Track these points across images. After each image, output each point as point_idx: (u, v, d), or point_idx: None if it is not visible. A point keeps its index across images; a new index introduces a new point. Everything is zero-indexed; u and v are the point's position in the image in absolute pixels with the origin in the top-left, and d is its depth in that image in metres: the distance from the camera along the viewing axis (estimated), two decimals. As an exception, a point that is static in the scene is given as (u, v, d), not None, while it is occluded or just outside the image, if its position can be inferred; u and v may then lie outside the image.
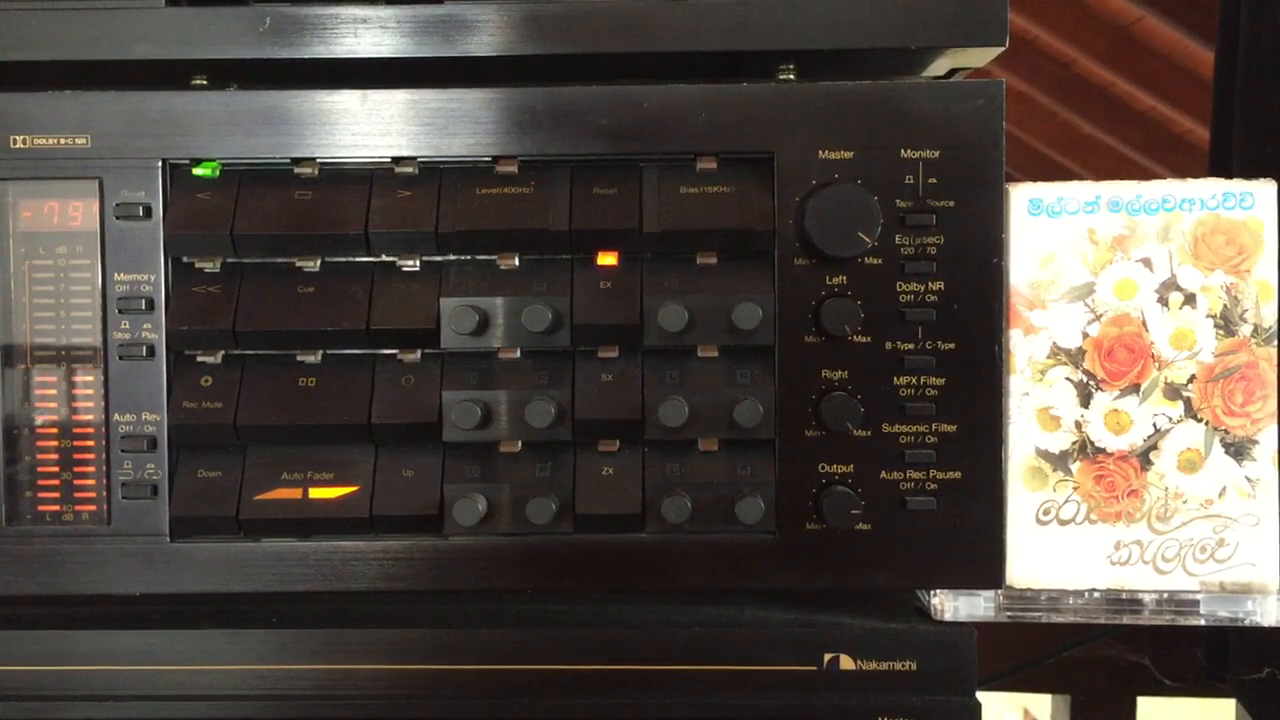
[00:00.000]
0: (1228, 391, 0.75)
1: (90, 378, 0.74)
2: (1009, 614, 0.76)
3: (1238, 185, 0.75)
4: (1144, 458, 0.75)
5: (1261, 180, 0.75)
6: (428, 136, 0.73)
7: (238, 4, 0.73)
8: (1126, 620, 0.76)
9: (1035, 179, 0.76)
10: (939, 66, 0.80)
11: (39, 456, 0.74)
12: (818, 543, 0.73)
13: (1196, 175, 0.76)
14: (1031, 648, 1.23)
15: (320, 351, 0.74)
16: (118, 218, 0.73)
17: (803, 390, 0.73)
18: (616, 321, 0.72)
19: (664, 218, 0.72)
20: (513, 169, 0.73)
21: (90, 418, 0.74)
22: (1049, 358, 0.75)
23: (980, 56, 0.76)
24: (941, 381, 0.73)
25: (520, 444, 0.73)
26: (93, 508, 0.74)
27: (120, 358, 0.73)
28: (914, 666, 0.74)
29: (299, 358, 0.74)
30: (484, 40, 0.73)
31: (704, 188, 0.73)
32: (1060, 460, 0.75)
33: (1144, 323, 0.75)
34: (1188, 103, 4.04)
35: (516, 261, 0.73)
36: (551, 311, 0.71)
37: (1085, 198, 0.75)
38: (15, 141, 0.73)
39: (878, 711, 0.73)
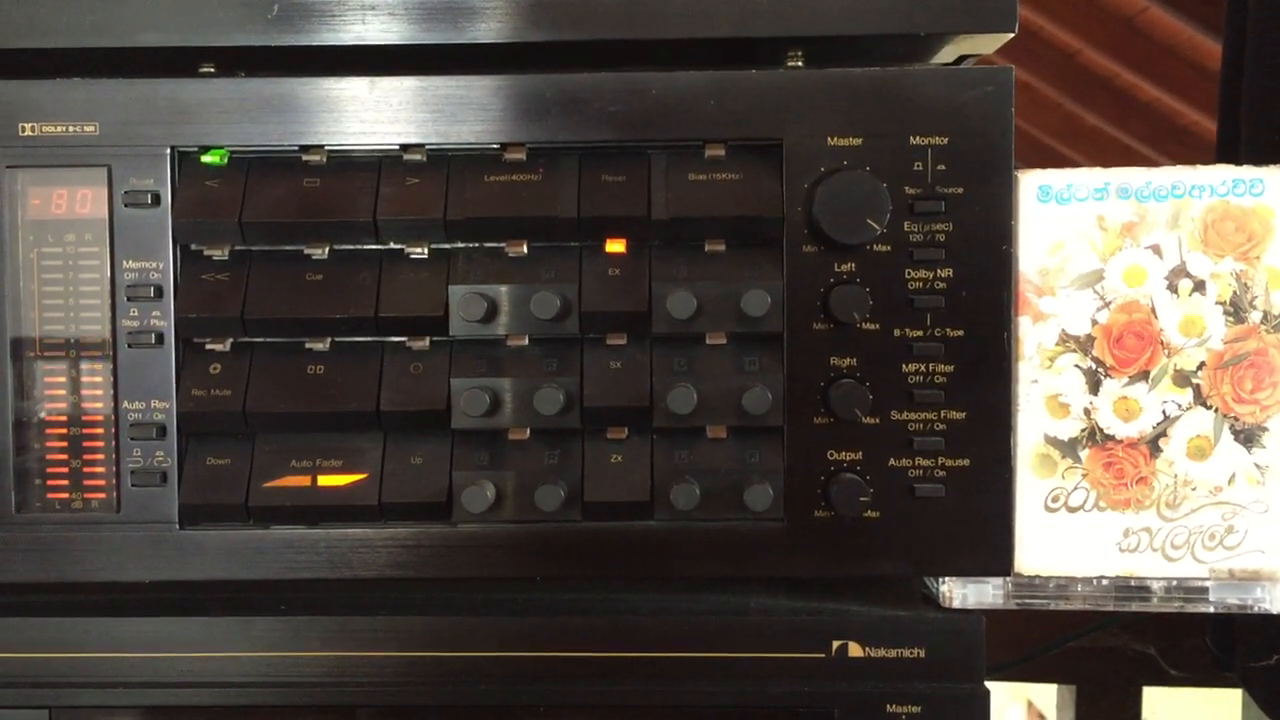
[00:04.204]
0: (1237, 378, 0.75)
1: (99, 366, 0.74)
2: (1017, 601, 0.76)
3: (1248, 172, 0.75)
4: (1153, 445, 0.75)
5: (1271, 167, 0.75)
6: (436, 123, 0.73)
7: (245, -9, 0.73)
8: (1135, 607, 0.76)
9: (1040, 169, 0.76)
10: (948, 53, 0.79)
11: (48, 445, 0.74)
12: (826, 530, 0.73)
13: (1202, 166, 0.76)
14: (1036, 640, 1.23)
15: (329, 339, 0.74)
16: (126, 205, 0.73)
17: (811, 377, 0.73)
18: (625, 309, 0.72)
19: (672, 205, 0.72)
20: (521, 156, 0.73)
21: (99, 406, 0.74)
22: (1058, 345, 0.75)
23: (989, 43, 0.76)
24: (950, 369, 0.73)
25: (529, 431, 0.73)
26: (102, 495, 0.74)
27: (129, 346, 0.73)
28: (923, 654, 0.74)
29: (308, 345, 0.74)
30: (492, 27, 0.73)
31: (712, 175, 0.73)
32: (1069, 447, 0.75)
33: (1153, 310, 0.75)
34: (1193, 94, 4.04)
35: (525, 249, 0.73)
36: (560, 299, 0.71)
37: (1094, 185, 0.75)
38: (24, 129, 0.73)
39: (886, 699, 0.74)
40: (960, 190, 0.72)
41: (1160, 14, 3.81)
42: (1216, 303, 0.75)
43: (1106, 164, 0.76)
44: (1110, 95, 4.48)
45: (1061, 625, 1.22)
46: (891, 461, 0.73)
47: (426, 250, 0.74)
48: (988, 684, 0.74)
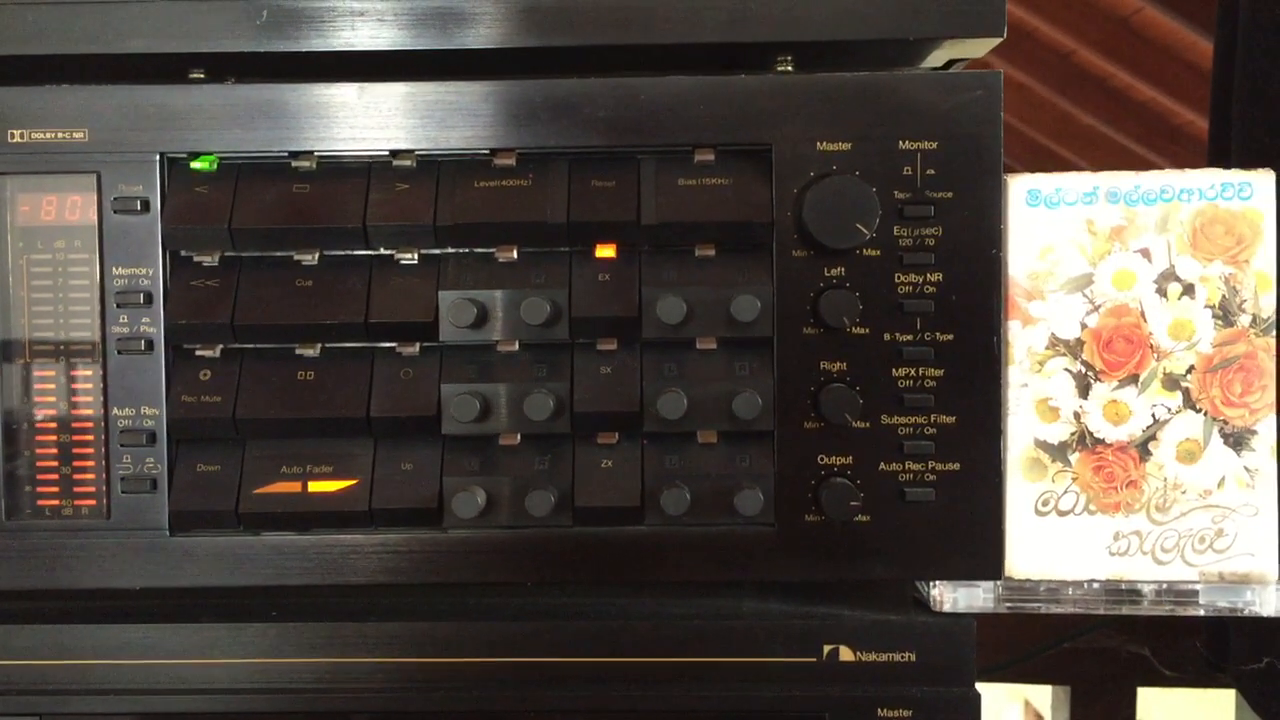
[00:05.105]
0: (1226, 382, 0.75)
1: (89, 372, 0.74)
2: (1008, 605, 0.76)
3: (1236, 175, 0.75)
4: (1143, 448, 0.75)
5: (1260, 170, 0.75)
6: (425, 129, 0.73)
7: (234, -3, 0.73)
8: (1126, 611, 0.76)
9: (1034, 170, 0.76)
10: (937, 57, 0.79)
11: (38, 451, 0.74)
12: (817, 534, 0.73)
13: (1195, 166, 0.76)
14: (1032, 640, 1.23)
15: (319, 345, 0.74)
16: (116, 212, 0.73)
17: (801, 382, 0.73)
18: (615, 314, 0.72)
19: (662, 210, 0.72)
20: (511, 161, 0.73)
21: (89, 412, 0.74)
22: (1047, 349, 0.75)
23: (978, 47, 0.76)
24: (940, 373, 0.73)
25: (519, 437, 0.73)
26: (92, 502, 0.74)
27: (119, 352, 0.73)
28: (913, 658, 0.74)
29: (298, 351, 0.74)
30: (481, 33, 0.73)
31: (702, 180, 0.73)
32: (1059, 451, 0.75)
33: (1142, 313, 0.75)
34: (1187, 94, 4.04)
35: (515, 254, 0.73)
36: (550, 304, 0.71)
37: (1083, 188, 0.75)
38: (13, 135, 0.73)
39: (877, 703, 0.74)
40: (949, 194, 0.72)
41: (1155, 14, 3.81)
42: (1206, 306, 0.75)
43: (1101, 164, 0.76)
44: (1105, 95, 4.48)
45: (1057, 626, 1.23)
46: (882, 465, 0.73)
47: (416, 256, 0.74)
48: (982, 685, 0.75)
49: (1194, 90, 3.92)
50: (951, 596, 0.76)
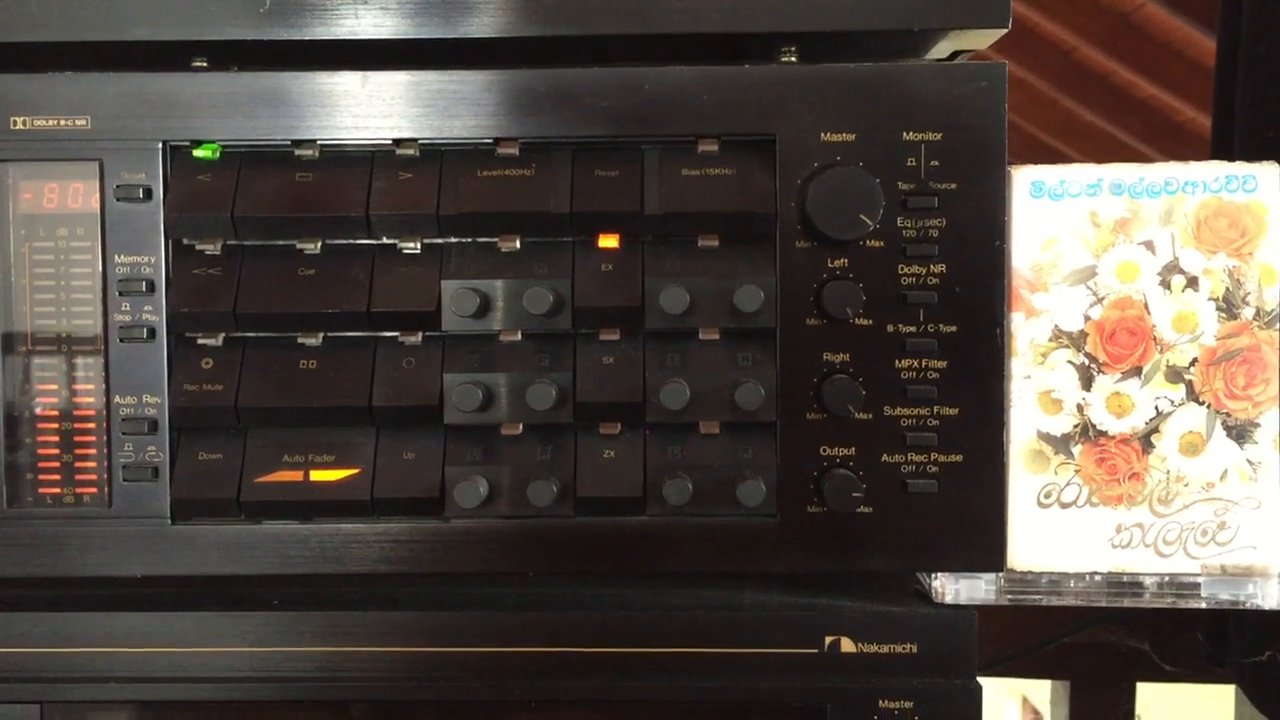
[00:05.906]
0: (1229, 374, 0.75)
1: (91, 360, 0.74)
2: (1010, 597, 0.76)
3: (1240, 168, 0.75)
4: (1145, 441, 0.75)
5: (1265, 163, 0.75)
6: (429, 118, 0.73)
7: (238, -15, 0.73)
8: (1127, 603, 0.76)
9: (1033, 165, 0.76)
10: (941, 49, 0.79)
11: (40, 439, 0.74)
12: (819, 525, 0.73)
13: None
14: (1032, 635, 1.23)
15: (321, 334, 0.74)
16: (118, 199, 0.73)
17: (804, 373, 0.73)
18: (618, 304, 0.72)
19: (665, 200, 0.72)
20: (514, 151, 0.73)
21: (91, 400, 0.74)
22: (1051, 340, 0.75)
23: (983, 39, 0.76)
24: (943, 364, 0.73)
25: (521, 426, 0.73)
26: (94, 490, 0.74)
27: (121, 340, 0.73)
28: (915, 649, 0.74)
29: (300, 340, 0.74)
30: (485, 21, 0.73)
31: (705, 170, 0.73)
32: (1062, 443, 0.75)
33: (1146, 306, 0.75)
34: (1189, 90, 4.04)
35: (518, 244, 0.73)
36: (553, 294, 0.71)
37: (1087, 180, 0.75)
38: (15, 123, 0.73)
39: (879, 694, 0.74)
40: (953, 186, 0.72)
41: (1156, 10, 3.81)
42: (1209, 299, 0.75)
43: (1102, 161, 0.76)
44: (1106, 92, 4.48)
45: (1057, 620, 1.23)
46: (884, 457, 0.73)
47: (419, 245, 0.74)
48: (981, 679, 0.74)
49: (1196, 87, 3.93)
50: (953, 588, 0.76)
